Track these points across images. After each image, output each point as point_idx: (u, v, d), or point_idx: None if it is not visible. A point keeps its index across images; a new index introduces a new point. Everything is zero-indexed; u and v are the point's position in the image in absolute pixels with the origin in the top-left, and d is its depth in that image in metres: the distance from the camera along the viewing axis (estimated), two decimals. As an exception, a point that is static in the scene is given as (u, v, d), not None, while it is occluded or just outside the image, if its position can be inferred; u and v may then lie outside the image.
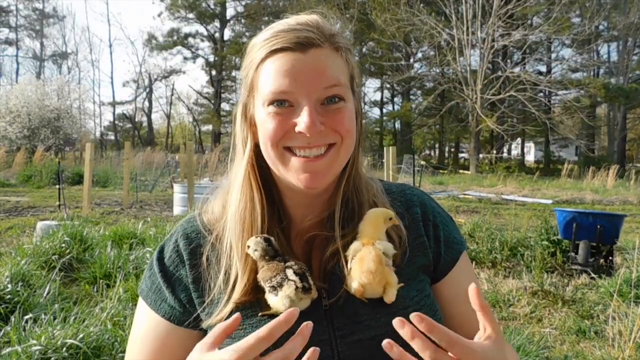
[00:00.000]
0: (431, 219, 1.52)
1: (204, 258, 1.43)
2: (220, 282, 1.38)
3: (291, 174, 1.33)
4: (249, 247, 1.32)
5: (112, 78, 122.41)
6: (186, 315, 1.42)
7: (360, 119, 1.43)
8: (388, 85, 63.95)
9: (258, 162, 1.40)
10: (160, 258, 1.50)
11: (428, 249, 1.47)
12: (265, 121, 1.30)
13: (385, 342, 1.03)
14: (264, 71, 1.28)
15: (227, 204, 1.46)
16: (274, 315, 1.20)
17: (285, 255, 1.32)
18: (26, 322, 4.37)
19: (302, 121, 1.26)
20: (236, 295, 1.34)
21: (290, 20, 1.31)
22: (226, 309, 1.34)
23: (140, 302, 1.51)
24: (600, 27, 53.63)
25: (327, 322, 1.30)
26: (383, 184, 1.57)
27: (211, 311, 1.38)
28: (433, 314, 1.36)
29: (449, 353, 1.04)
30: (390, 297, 1.28)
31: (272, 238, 1.32)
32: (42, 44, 73.13)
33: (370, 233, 1.32)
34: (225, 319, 1.23)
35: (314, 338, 1.17)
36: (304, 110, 1.26)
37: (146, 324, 1.47)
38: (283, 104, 1.27)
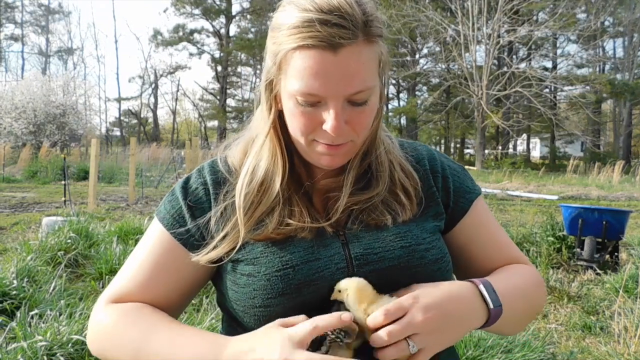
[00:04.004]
0: (439, 171, 1.58)
1: (228, 196, 1.46)
2: (229, 228, 1.42)
3: (314, 155, 1.38)
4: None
5: (117, 74, 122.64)
6: (200, 244, 1.43)
7: (383, 97, 1.45)
8: (393, 81, 63.82)
9: (281, 125, 1.43)
10: (185, 187, 1.52)
11: (438, 198, 1.53)
12: (295, 114, 1.32)
13: None
14: (293, 63, 1.26)
15: (248, 153, 1.50)
16: None
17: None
18: (32, 318, 4.36)
19: (329, 122, 1.27)
20: (223, 248, 1.40)
21: (322, 1, 1.23)
22: (210, 254, 1.41)
23: (155, 221, 1.51)
24: (606, 22, 53.59)
25: (345, 252, 1.36)
26: (398, 140, 1.62)
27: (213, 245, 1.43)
28: (442, 256, 1.43)
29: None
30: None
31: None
32: (47, 40, 73.46)
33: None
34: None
35: (332, 266, 1.33)
36: (331, 112, 1.27)
37: (157, 240, 1.48)
38: (310, 101, 1.28)
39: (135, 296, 1.43)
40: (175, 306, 1.49)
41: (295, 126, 1.34)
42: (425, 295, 1.21)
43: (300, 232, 1.38)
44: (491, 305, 1.28)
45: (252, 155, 1.47)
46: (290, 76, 1.28)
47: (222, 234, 1.40)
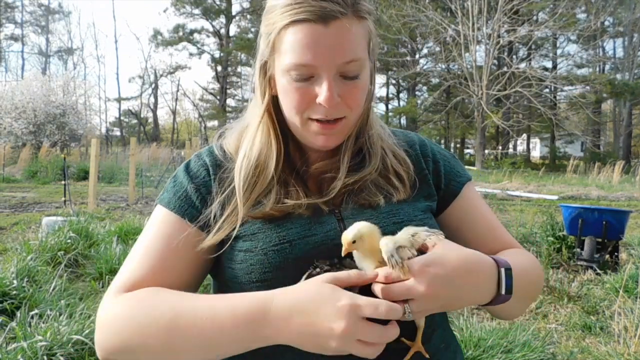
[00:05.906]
0: (430, 155, 1.63)
1: (226, 182, 1.48)
2: (228, 212, 1.43)
3: (310, 135, 1.41)
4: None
5: (117, 74, 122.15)
6: (208, 223, 1.43)
7: (373, 79, 1.50)
8: (393, 81, 63.98)
9: (275, 110, 1.46)
10: (187, 170, 1.53)
11: (430, 180, 1.58)
12: (289, 90, 1.36)
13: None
14: (286, 39, 1.31)
15: (243, 139, 1.53)
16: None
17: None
18: (32, 317, 4.37)
19: (322, 94, 1.31)
20: (221, 231, 1.41)
21: None
22: (215, 236, 1.41)
23: (158, 208, 1.49)
24: (606, 22, 53.58)
25: (340, 228, 1.37)
26: (390, 129, 1.66)
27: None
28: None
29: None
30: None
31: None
32: (47, 40, 73.42)
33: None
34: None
35: (328, 242, 1.34)
36: (324, 84, 1.31)
37: (163, 223, 1.46)
38: (303, 74, 1.32)
39: (148, 282, 1.37)
40: (190, 290, 1.44)
41: (289, 104, 1.38)
42: (437, 265, 1.16)
43: (297, 209, 1.40)
44: (503, 291, 1.26)
45: (247, 140, 1.50)
46: (283, 52, 1.33)
47: (223, 218, 1.41)
